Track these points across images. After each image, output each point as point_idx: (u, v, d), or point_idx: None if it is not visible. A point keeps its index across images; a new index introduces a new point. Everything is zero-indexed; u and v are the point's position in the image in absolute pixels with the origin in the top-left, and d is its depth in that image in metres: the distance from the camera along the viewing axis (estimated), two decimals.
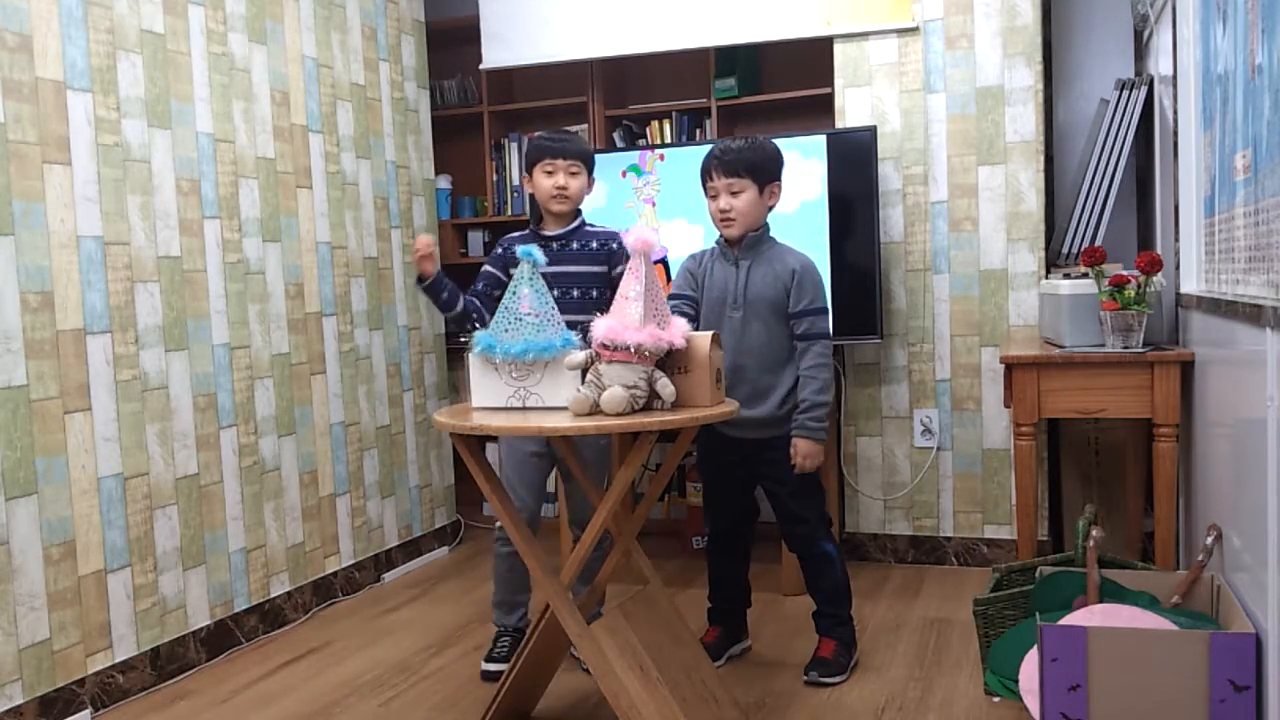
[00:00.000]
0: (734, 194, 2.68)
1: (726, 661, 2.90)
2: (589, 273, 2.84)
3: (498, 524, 2.95)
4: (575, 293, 2.81)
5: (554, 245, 2.82)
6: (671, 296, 2.75)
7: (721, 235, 2.76)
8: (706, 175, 2.73)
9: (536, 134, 2.91)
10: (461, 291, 2.83)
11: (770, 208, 2.77)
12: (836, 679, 2.73)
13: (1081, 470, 3.66)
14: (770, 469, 2.76)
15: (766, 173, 2.72)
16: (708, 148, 3.75)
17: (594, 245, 2.87)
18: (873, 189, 3.56)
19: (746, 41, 3.92)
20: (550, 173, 2.80)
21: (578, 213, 2.89)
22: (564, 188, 2.80)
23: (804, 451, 2.68)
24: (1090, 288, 2.89)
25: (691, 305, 2.75)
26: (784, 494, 2.77)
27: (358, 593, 3.73)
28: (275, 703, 2.79)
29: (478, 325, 2.76)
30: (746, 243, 2.72)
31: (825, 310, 2.74)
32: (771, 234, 2.79)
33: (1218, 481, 2.47)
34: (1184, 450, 2.91)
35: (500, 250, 2.88)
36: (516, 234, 2.93)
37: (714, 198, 2.72)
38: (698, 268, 2.80)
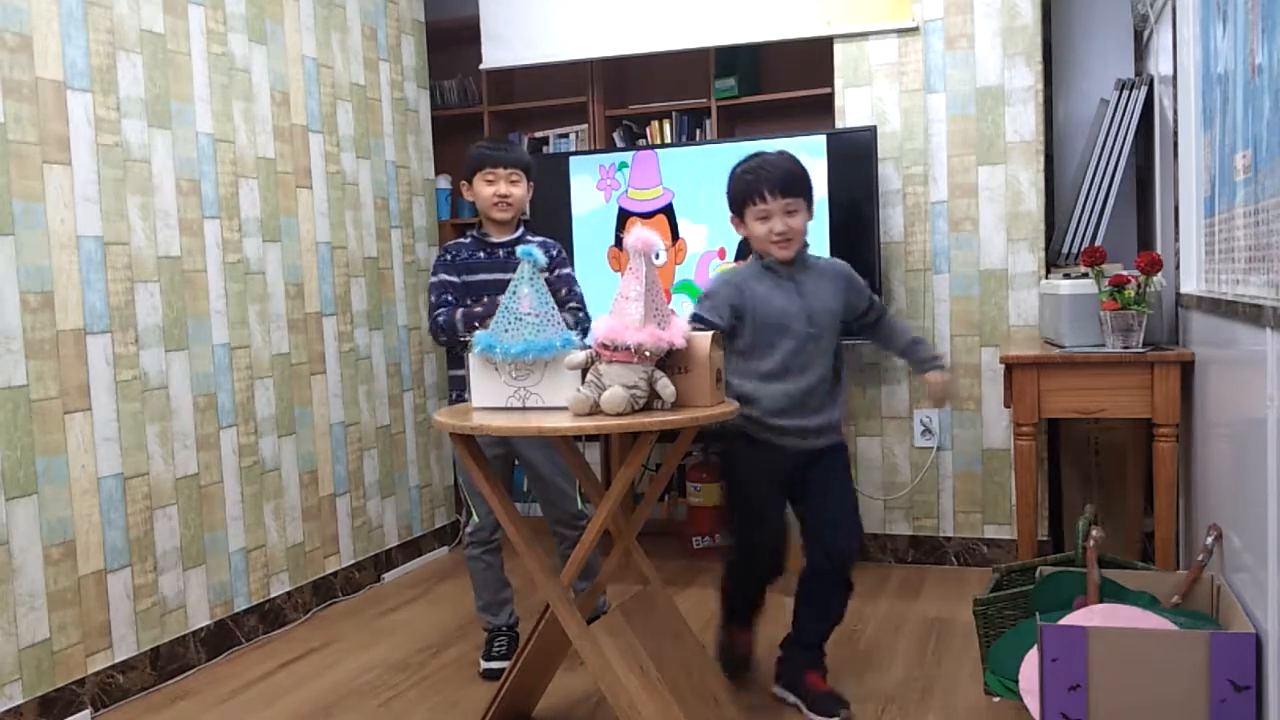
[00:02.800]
0: (791, 214, 2.49)
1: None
2: None
3: (467, 530, 2.98)
4: None
5: (500, 253, 2.86)
6: (696, 318, 2.51)
7: (773, 257, 2.54)
8: (755, 195, 2.49)
9: (476, 144, 2.97)
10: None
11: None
12: (846, 711, 2.55)
13: (1081, 470, 3.66)
14: (824, 474, 2.60)
15: (812, 190, 2.57)
16: (708, 148, 3.79)
17: (554, 254, 2.91)
18: (873, 189, 3.56)
19: (746, 41, 3.92)
20: (491, 181, 2.84)
21: (520, 221, 2.95)
22: (506, 195, 2.84)
23: (942, 380, 2.72)
24: (1090, 288, 2.89)
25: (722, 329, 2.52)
26: (838, 501, 2.61)
27: (358, 593, 3.73)
28: (275, 703, 2.79)
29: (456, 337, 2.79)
30: (799, 261, 2.56)
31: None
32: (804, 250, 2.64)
33: (1218, 481, 2.47)
34: (1184, 450, 2.91)
35: (449, 257, 2.90)
36: (460, 240, 2.96)
37: (765, 219, 2.50)
38: (739, 295, 2.54)
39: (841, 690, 2.59)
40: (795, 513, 2.67)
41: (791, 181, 2.50)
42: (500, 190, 2.83)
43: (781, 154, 2.59)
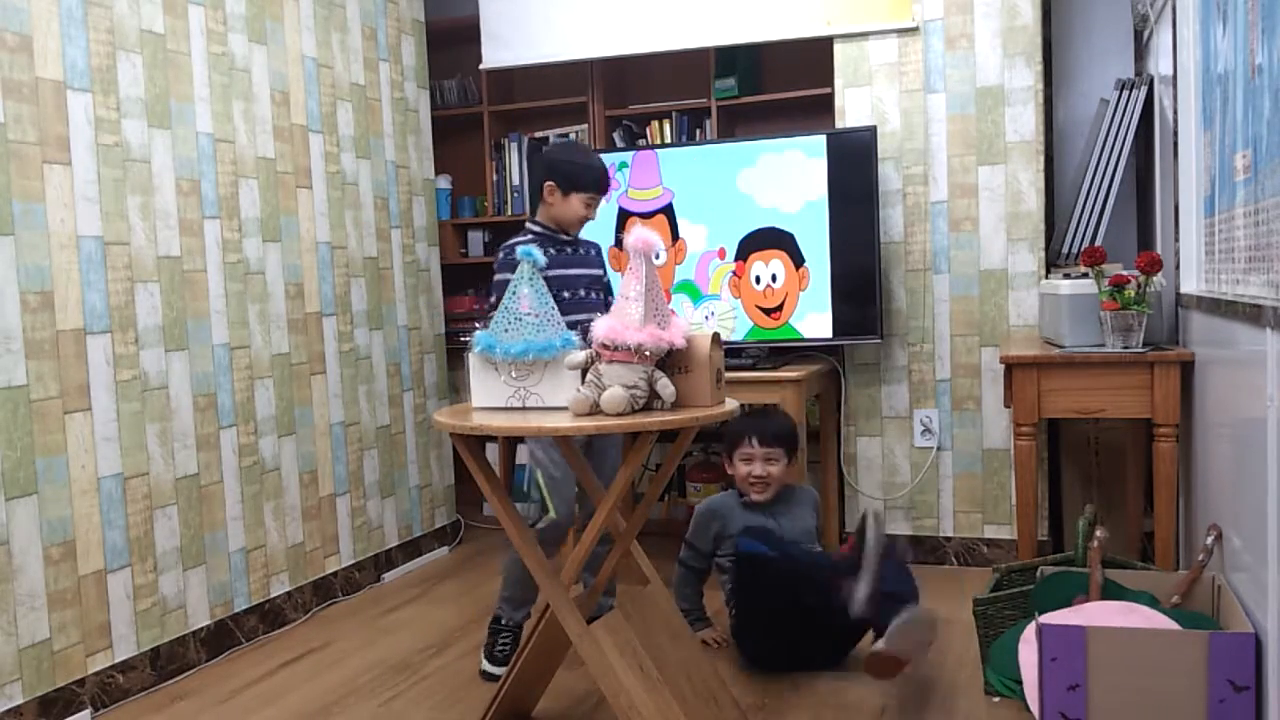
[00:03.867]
0: (770, 461, 3.00)
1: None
2: (591, 275, 2.97)
3: (540, 526, 2.89)
4: (582, 292, 2.92)
5: (568, 249, 2.92)
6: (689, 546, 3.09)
7: (749, 495, 3.04)
8: (743, 440, 3.01)
9: (570, 153, 2.97)
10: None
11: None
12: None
13: (1081, 470, 3.66)
14: None
15: (795, 445, 3.08)
16: (708, 148, 3.79)
17: (592, 252, 3.01)
18: (873, 189, 3.56)
19: (746, 41, 3.92)
20: (589, 205, 2.89)
21: None
22: (592, 219, 2.93)
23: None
24: (1090, 288, 2.89)
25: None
26: None
27: (358, 593, 3.73)
28: (275, 703, 2.79)
29: None
30: (777, 499, 3.04)
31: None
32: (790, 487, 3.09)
33: (1218, 481, 2.47)
34: (1184, 450, 2.91)
35: (513, 258, 2.88)
36: (522, 238, 2.91)
37: (747, 461, 3.01)
38: (716, 522, 3.07)
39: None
40: None
41: (775, 436, 3.05)
42: (591, 215, 2.91)
43: (772, 410, 3.26)
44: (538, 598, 2.98)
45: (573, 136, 4.44)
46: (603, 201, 2.95)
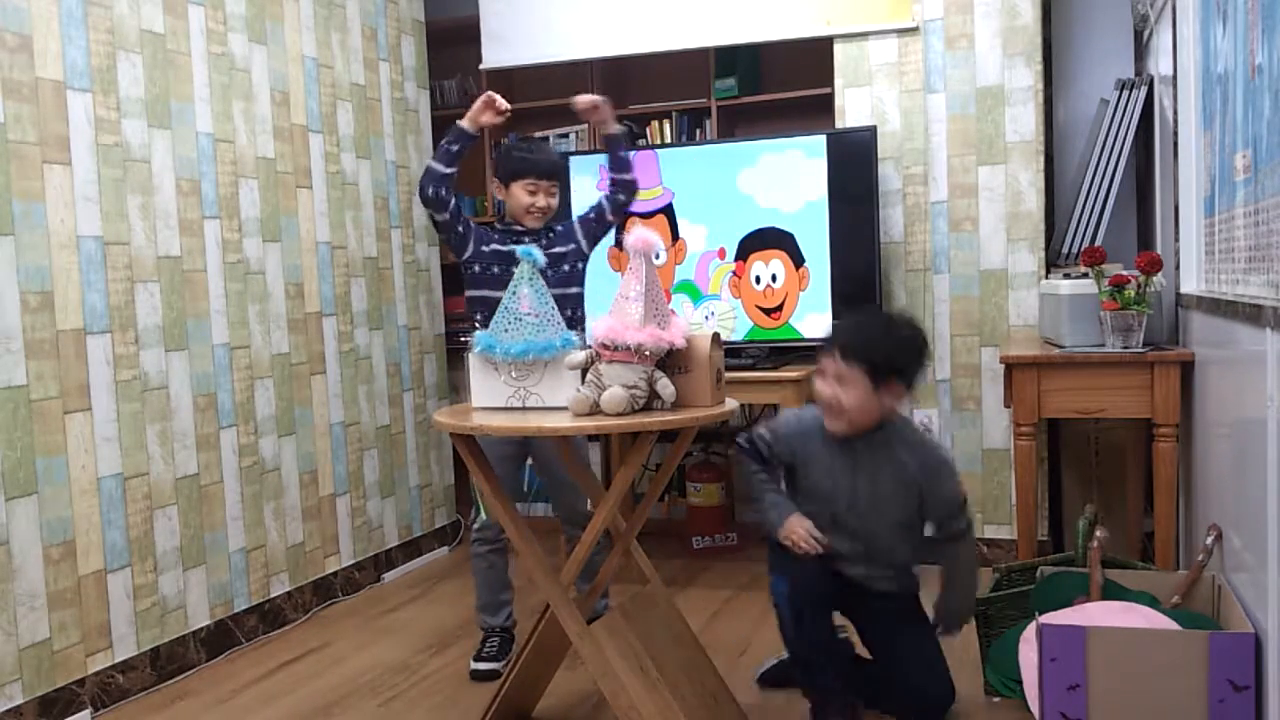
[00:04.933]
0: (842, 381, 2.20)
1: None
2: (563, 251, 2.91)
3: (474, 526, 2.95)
4: (549, 271, 2.82)
5: (525, 239, 2.88)
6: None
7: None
8: (822, 348, 2.27)
9: (512, 145, 2.99)
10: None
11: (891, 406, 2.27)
12: None
13: (1081, 470, 3.66)
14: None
15: (888, 367, 2.21)
16: (708, 148, 3.80)
17: (559, 229, 2.95)
18: (873, 189, 3.56)
19: (746, 41, 3.92)
20: (532, 192, 2.85)
21: None
22: (544, 207, 2.87)
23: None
24: (1090, 288, 2.89)
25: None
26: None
27: (358, 593, 3.73)
28: (275, 703, 2.79)
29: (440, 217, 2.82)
30: (865, 437, 2.29)
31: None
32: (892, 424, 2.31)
33: (1218, 481, 2.47)
34: (1184, 450, 2.91)
35: (481, 231, 2.91)
36: (488, 228, 2.96)
37: (820, 376, 2.27)
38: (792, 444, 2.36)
39: None
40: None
41: (846, 347, 2.21)
42: (539, 203, 2.86)
43: (874, 319, 2.42)
44: (512, 596, 3.00)
45: (573, 136, 4.44)
46: (552, 188, 2.86)
